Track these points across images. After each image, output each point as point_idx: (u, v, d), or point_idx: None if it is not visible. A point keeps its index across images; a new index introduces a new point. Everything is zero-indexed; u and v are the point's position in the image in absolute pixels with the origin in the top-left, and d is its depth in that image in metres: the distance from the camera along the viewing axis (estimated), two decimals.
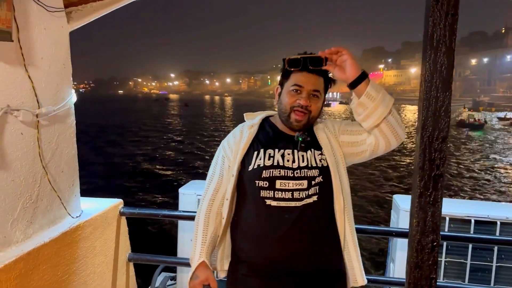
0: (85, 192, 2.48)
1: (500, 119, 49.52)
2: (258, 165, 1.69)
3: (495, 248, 2.51)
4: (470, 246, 2.52)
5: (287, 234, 1.63)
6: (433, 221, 1.27)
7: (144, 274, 3.17)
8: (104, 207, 2.47)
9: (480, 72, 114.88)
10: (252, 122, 1.83)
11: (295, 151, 1.71)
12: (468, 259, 2.54)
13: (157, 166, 20.40)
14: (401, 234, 2.07)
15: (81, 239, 2.24)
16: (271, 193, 1.66)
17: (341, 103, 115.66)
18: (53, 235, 2.02)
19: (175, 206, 3.00)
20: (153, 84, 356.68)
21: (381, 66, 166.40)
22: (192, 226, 2.93)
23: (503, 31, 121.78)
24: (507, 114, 51.64)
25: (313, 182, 1.68)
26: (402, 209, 2.72)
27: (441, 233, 2.39)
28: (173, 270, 3.17)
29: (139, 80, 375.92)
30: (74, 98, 2.24)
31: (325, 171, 1.71)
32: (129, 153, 24.52)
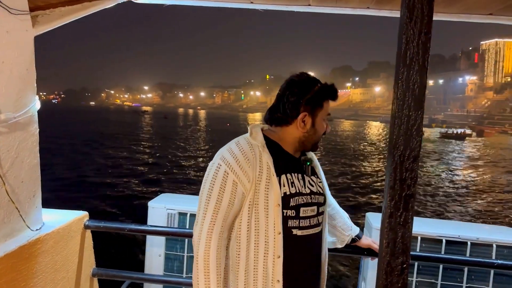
0: (48, 204, 2.32)
1: (441, 133, 54.93)
2: (285, 193, 1.55)
3: (465, 269, 2.48)
4: (441, 266, 2.49)
5: (306, 260, 1.62)
6: (403, 242, 1.21)
7: None
8: (68, 219, 2.32)
9: (436, 92, 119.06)
10: (259, 141, 1.60)
11: (305, 176, 1.66)
12: (438, 279, 2.50)
13: (126, 179, 19.48)
14: (372, 254, 2.01)
15: (40, 253, 2.08)
16: (297, 222, 1.57)
17: None
18: (8, 249, 1.87)
19: (143, 220, 2.86)
20: (126, 96, 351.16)
21: (349, 84, 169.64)
22: (160, 241, 2.84)
23: (460, 55, 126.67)
24: (448, 130, 57.52)
25: (320, 209, 1.67)
26: (374, 228, 2.67)
27: (412, 253, 2.36)
28: (140, 286, 3.01)
29: (112, 91, 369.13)
30: (37, 105, 2.09)
31: (325, 199, 1.72)
32: (99, 165, 23.62)
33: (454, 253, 2.41)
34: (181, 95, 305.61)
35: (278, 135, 1.65)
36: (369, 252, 2.03)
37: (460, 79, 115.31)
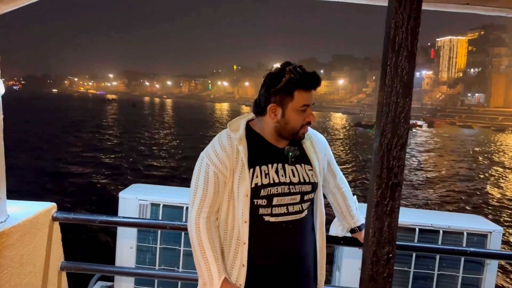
0: (13, 195, 2.17)
1: None
2: (256, 184, 1.61)
3: (437, 257, 2.51)
4: (414, 254, 2.51)
5: (281, 245, 1.65)
6: (390, 232, 1.17)
7: (79, 284, 2.89)
8: (35, 211, 2.17)
9: None
10: (238, 133, 1.66)
11: (286, 165, 1.67)
12: (411, 267, 2.52)
13: (95, 169, 18.68)
14: (349, 242, 1.98)
15: (5, 247, 1.94)
16: (268, 210, 1.64)
17: None
18: None
19: (113, 211, 2.72)
20: (90, 83, 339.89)
21: None
22: (132, 232, 2.72)
23: (420, 49, 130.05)
24: None
25: (305, 197, 1.69)
26: None
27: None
28: (111, 279, 2.89)
29: (75, 79, 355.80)
30: (1, 89, 1.93)
31: (315, 186, 1.72)
32: (65, 154, 22.53)
33: (427, 241, 2.43)
34: (147, 83, 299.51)
35: (260, 125, 1.70)
36: (346, 241, 2.01)
37: (418, 74, 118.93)
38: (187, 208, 2.54)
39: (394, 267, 2.59)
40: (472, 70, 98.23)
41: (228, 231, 1.65)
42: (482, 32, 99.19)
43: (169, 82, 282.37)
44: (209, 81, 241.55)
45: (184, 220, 2.49)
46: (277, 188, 1.63)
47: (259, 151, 1.66)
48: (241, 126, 1.69)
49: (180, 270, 2.59)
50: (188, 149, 25.73)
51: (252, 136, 1.68)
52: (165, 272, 2.48)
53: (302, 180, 1.67)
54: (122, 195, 2.66)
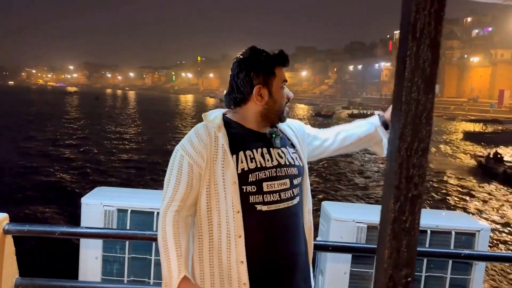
0: None
1: (348, 114, 59.62)
2: (243, 169, 1.50)
3: (425, 258, 2.39)
4: None
5: (278, 236, 1.52)
6: (409, 251, 0.98)
7: None
8: None
9: (356, 76, 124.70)
10: (216, 122, 1.58)
11: (271, 149, 1.58)
12: None
13: (53, 169, 16.64)
14: (339, 249, 1.82)
15: None
16: (260, 198, 1.51)
17: None
18: None
19: (76, 218, 2.43)
20: (49, 76, 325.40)
21: None
22: (97, 242, 2.45)
23: (379, 42, 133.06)
24: (353, 111, 61.72)
25: (294, 182, 1.59)
26: (333, 218, 2.48)
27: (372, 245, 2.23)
28: None
29: (33, 71, 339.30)
30: None
31: (301, 170, 1.63)
32: (19, 152, 20.16)
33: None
34: (108, 75, 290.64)
35: (239, 115, 1.61)
36: (334, 248, 1.84)
37: (377, 65, 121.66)
38: (159, 213, 2.30)
39: None
40: None
41: (216, 226, 1.50)
42: None
43: (131, 74, 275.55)
44: (173, 73, 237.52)
45: (155, 228, 2.25)
46: (264, 173, 1.52)
47: (241, 137, 1.57)
48: (216, 116, 1.62)
49: (152, 281, 2.36)
50: (155, 141, 25.10)
51: (230, 125, 1.60)
52: (134, 286, 2.24)
53: (288, 163, 1.59)
54: (85, 200, 2.37)
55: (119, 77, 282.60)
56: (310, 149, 1.75)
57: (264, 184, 1.51)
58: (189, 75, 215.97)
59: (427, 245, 2.29)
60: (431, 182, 17.00)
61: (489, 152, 20.02)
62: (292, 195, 1.57)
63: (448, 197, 15.06)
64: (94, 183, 12.51)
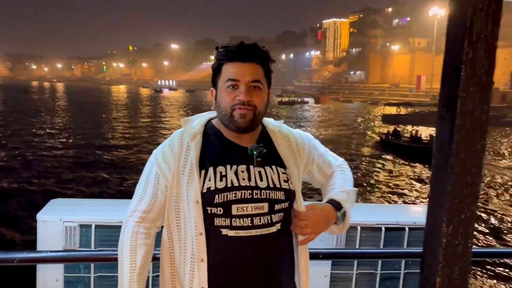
0: None
1: (278, 101, 60.33)
2: (208, 189, 1.29)
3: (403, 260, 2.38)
4: None
5: (246, 266, 1.31)
6: (461, 278, 0.88)
7: None
8: None
9: (288, 65, 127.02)
10: (193, 130, 1.37)
11: (251, 167, 1.34)
12: (378, 270, 2.35)
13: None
14: (327, 256, 1.70)
15: None
16: (227, 221, 1.29)
17: (170, 89, 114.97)
18: None
19: (27, 235, 2.06)
20: None
21: (212, 57, 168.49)
22: (58, 266, 2.15)
23: (310, 31, 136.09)
24: (283, 98, 62.88)
25: (276, 207, 1.34)
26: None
27: (352, 250, 2.16)
28: None
29: None
30: None
31: (290, 194, 1.36)
32: None
33: (393, 239, 2.27)
34: (34, 66, 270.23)
35: (218, 120, 1.42)
36: (324, 255, 1.70)
37: (307, 54, 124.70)
38: None
39: (361, 271, 2.42)
40: (354, 50, 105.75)
41: (181, 247, 1.33)
42: (361, 15, 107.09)
43: (59, 65, 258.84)
44: (104, 63, 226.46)
45: None
46: (235, 193, 1.30)
47: (217, 150, 1.36)
48: (198, 122, 1.41)
49: None
50: (89, 135, 23.68)
51: (211, 133, 1.39)
52: None
53: (271, 185, 1.34)
54: (41, 217, 2.03)
55: (46, 69, 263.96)
56: (308, 174, 1.52)
57: (234, 207, 1.30)
58: (121, 65, 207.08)
59: (405, 242, 2.27)
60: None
61: (388, 130, 22.32)
62: (269, 222, 1.33)
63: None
64: (44, 192, 10.96)
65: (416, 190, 13.88)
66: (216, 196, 1.29)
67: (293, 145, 1.45)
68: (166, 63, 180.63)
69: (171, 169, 1.33)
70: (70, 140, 22.32)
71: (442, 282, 0.87)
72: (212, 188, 1.29)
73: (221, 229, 1.29)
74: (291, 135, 1.47)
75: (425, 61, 77.81)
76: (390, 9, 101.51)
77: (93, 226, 2.07)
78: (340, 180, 1.48)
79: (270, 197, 1.33)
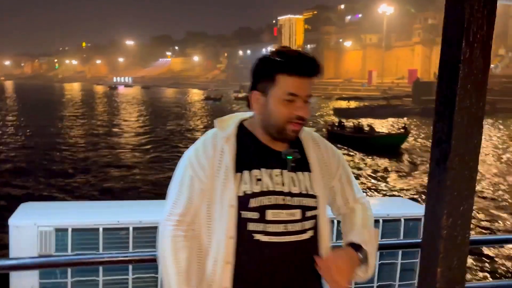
0: None
1: (235, 97, 61.21)
2: (244, 192, 1.26)
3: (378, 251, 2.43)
4: None
5: (274, 271, 1.27)
6: (460, 268, 0.92)
7: None
8: None
9: (246, 61, 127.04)
10: (226, 132, 1.32)
11: (284, 171, 1.30)
12: None
13: None
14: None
15: None
16: (260, 226, 1.26)
17: (126, 86, 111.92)
18: None
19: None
20: None
21: (169, 53, 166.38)
22: (33, 272, 2.02)
23: (266, 27, 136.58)
24: (239, 94, 62.63)
25: (308, 214, 1.31)
26: None
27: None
28: None
29: None
30: None
31: (319, 202, 1.34)
32: None
33: None
34: None
35: (253, 122, 1.36)
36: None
37: (264, 50, 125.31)
38: (105, 229, 1.97)
39: None
40: (309, 46, 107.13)
41: (208, 248, 1.30)
42: (315, 12, 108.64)
43: (7, 62, 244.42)
44: (56, 60, 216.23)
45: (101, 248, 1.92)
46: (270, 199, 1.27)
47: (251, 153, 1.32)
48: (231, 124, 1.35)
49: None
50: (43, 135, 22.56)
51: (244, 135, 1.34)
52: None
53: (304, 192, 1.31)
54: (14, 222, 1.90)
55: None
56: (330, 191, 1.45)
57: (268, 212, 1.26)
58: (74, 62, 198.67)
59: (380, 235, 2.31)
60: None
61: (333, 121, 23.82)
62: (302, 229, 1.30)
63: None
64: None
65: (363, 178, 14.24)
66: (252, 200, 1.26)
67: (324, 153, 1.42)
68: (121, 59, 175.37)
69: (206, 172, 1.29)
70: (23, 141, 21.18)
71: (443, 272, 0.90)
72: (248, 192, 1.26)
73: (254, 234, 1.27)
74: (322, 144, 1.44)
75: (376, 56, 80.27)
76: (342, 6, 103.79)
77: (69, 230, 1.97)
78: (360, 220, 1.42)
79: (303, 204, 1.31)
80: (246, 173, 1.28)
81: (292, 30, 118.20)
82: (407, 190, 13.02)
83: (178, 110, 42.08)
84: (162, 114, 37.20)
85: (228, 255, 1.25)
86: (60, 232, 1.94)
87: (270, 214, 1.26)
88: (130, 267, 1.96)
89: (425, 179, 14.11)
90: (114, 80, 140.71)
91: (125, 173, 14.35)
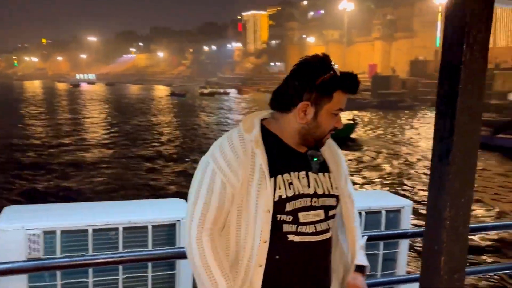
0: None
1: (199, 93, 61.64)
2: (280, 197, 1.27)
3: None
4: None
5: (308, 272, 1.32)
6: (461, 256, 0.97)
7: None
8: None
9: (212, 57, 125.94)
10: (253, 135, 1.30)
11: (309, 173, 1.33)
12: None
13: None
14: None
15: None
16: (294, 228, 1.29)
17: (89, 83, 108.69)
18: None
19: None
20: None
21: (133, 49, 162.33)
22: (21, 276, 1.93)
23: (230, 23, 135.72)
24: (204, 90, 63.77)
25: (330, 213, 1.36)
26: None
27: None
28: None
29: None
30: None
31: (338, 201, 1.40)
32: None
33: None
34: None
35: (278, 124, 1.34)
36: None
37: (229, 46, 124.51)
38: (94, 230, 1.92)
39: None
40: (273, 42, 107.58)
41: (236, 252, 1.30)
42: (279, 8, 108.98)
43: None
44: (15, 57, 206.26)
45: (91, 249, 1.88)
46: (301, 201, 1.30)
47: (279, 156, 1.31)
48: (255, 124, 1.32)
49: None
50: (3, 135, 21.50)
51: (267, 136, 1.33)
52: None
53: (326, 192, 1.35)
54: (0, 225, 1.83)
55: None
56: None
57: (300, 215, 1.30)
58: (34, 59, 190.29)
59: (363, 227, 2.37)
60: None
61: None
62: (327, 228, 1.36)
63: None
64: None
65: None
66: (287, 204, 1.28)
67: (334, 153, 1.45)
68: (84, 56, 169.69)
69: (239, 177, 1.26)
70: None
71: (446, 261, 0.94)
72: (284, 197, 1.27)
73: (288, 235, 1.29)
74: (332, 144, 1.46)
75: (338, 52, 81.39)
76: (305, 2, 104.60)
77: (58, 232, 1.91)
78: (359, 234, 1.48)
79: (326, 204, 1.35)
80: (279, 177, 1.28)
81: (257, 25, 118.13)
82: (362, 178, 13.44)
83: (143, 107, 41.81)
84: (127, 110, 36.77)
85: (261, 259, 1.26)
86: (49, 234, 1.88)
87: (301, 216, 1.29)
88: (120, 267, 1.92)
89: (377, 168, 14.67)
90: (77, 77, 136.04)
91: (91, 171, 13.95)
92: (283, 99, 1.31)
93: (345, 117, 24.50)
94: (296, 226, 1.29)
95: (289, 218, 1.28)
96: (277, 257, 1.28)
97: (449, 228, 0.93)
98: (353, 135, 20.08)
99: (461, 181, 0.91)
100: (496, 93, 36.88)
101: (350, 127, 19.79)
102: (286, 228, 1.28)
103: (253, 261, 1.27)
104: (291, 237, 1.29)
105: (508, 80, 37.97)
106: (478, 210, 10.20)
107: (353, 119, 20.66)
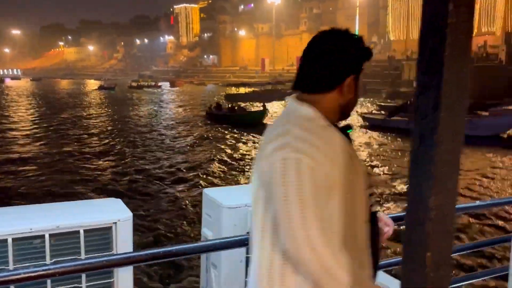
0: None
1: (129, 86, 60.33)
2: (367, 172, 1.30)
3: None
4: None
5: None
6: (447, 251, 0.85)
7: None
8: None
9: (144, 50, 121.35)
10: (323, 119, 1.20)
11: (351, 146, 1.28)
12: None
13: None
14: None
15: None
16: (371, 201, 1.30)
17: (13, 78, 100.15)
18: None
19: None
20: None
21: (62, 43, 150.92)
22: None
23: (163, 15, 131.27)
24: (133, 83, 62.77)
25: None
26: (225, 206, 2.07)
27: None
28: None
29: None
30: None
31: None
32: None
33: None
34: None
35: (318, 104, 1.22)
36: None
37: (162, 39, 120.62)
38: (15, 239, 1.56)
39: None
40: (205, 35, 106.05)
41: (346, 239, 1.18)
42: (210, 1, 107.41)
43: None
44: None
45: (11, 261, 1.52)
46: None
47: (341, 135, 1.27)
48: (310, 108, 1.21)
49: None
50: None
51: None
52: None
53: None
54: None
55: None
56: None
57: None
58: None
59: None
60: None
61: (211, 104, 26.76)
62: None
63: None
64: None
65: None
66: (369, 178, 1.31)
67: None
68: (7, 50, 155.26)
69: (339, 169, 1.15)
70: None
71: (433, 256, 0.82)
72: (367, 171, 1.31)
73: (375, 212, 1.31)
74: None
75: (268, 45, 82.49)
76: None
77: (9, 240, 1.59)
78: None
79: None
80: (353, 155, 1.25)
81: (189, 18, 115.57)
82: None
83: (72, 101, 40.27)
84: (56, 105, 34.95)
85: (367, 240, 1.24)
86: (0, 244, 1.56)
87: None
88: (49, 281, 1.60)
89: None
90: (0, 72, 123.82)
91: (13, 170, 12.30)
92: (323, 79, 1.21)
93: (258, 105, 25.29)
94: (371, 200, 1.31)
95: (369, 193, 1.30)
96: (370, 237, 1.26)
97: (434, 220, 0.80)
98: (265, 121, 20.80)
99: (448, 162, 0.78)
100: (405, 81, 40.60)
101: (261, 113, 21.19)
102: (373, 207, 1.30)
103: (362, 245, 1.22)
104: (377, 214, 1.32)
105: (415, 69, 41.78)
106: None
107: (264, 106, 21.66)
